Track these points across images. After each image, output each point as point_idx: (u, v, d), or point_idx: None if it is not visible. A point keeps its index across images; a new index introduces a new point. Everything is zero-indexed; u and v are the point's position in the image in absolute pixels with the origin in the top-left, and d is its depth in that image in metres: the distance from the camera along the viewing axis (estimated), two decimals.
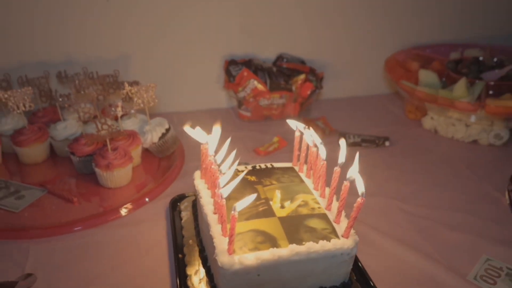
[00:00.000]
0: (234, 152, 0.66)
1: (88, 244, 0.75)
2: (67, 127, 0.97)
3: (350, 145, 1.04)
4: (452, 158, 1.03)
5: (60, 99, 0.96)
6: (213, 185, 0.67)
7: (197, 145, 1.00)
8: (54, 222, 0.79)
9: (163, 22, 1.14)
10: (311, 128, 0.73)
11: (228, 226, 0.59)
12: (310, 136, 0.70)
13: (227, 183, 0.59)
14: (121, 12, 1.10)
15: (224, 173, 0.63)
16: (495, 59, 1.17)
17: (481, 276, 0.68)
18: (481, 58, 1.18)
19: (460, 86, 1.04)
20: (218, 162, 0.66)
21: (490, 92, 1.05)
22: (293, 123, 0.76)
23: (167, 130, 0.97)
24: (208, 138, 0.70)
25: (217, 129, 0.71)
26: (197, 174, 0.76)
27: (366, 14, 1.26)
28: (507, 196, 0.87)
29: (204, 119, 1.14)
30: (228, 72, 1.15)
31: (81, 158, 0.91)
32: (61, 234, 0.77)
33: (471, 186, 0.93)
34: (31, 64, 1.08)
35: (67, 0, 1.06)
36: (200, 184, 0.73)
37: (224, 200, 0.58)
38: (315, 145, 0.70)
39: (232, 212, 0.55)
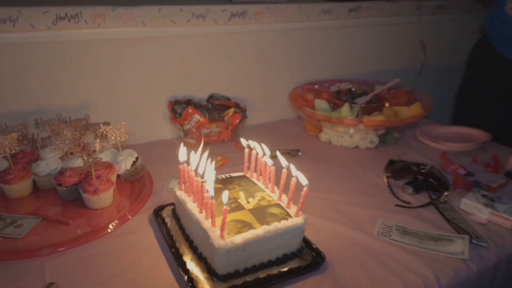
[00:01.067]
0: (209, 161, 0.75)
1: (91, 255, 0.76)
2: (49, 164, 0.97)
3: (274, 157, 1.17)
4: (344, 160, 1.18)
5: (41, 141, 0.97)
6: (196, 192, 0.75)
7: (158, 169, 1.07)
8: (58, 241, 0.79)
9: (117, 74, 1.18)
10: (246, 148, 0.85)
11: (217, 219, 0.69)
12: (261, 149, 0.83)
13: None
14: (82, 67, 1.13)
15: (205, 180, 0.72)
16: (362, 89, 1.38)
17: (381, 232, 0.83)
18: (353, 89, 1.37)
19: (345, 109, 1.21)
20: (200, 174, 0.75)
21: (364, 112, 1.26)
22: (244, 142, 0.87)
23: (137, 158, 1.02)
24: (184, 159, 0.79)
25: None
26: (177, 187, 0.83)
27: (271, 62, 1.41)
28: (385, 180, 1.03)
29: (159, 149, 1.22)
30: (173, 110, 1.23)
31: (68, 187, 0.92)
32: (67, 249, 0.77)
33: (360, 177, 1.07)
34: (7, 114, 1.06)
35: (36, 57, 1.06)
36: (181, 194, 0.80)
37: (214, 200, 0.67)
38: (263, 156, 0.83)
39: (224, 206, 0.65)
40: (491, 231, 0.84)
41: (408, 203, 0.94)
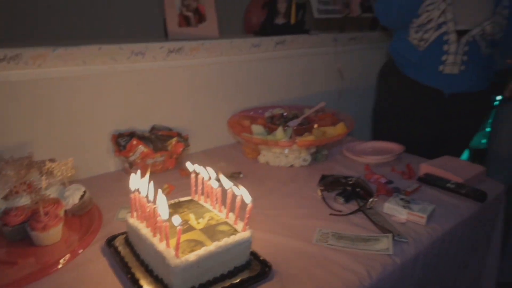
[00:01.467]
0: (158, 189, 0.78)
1: None
2: None
3: (218, 180, 1.22)
4: (282, 178, 1.24)
5: None
6: (149, 217, 0.78)
7: (105, 201, 1.07)
8: (7, 281, 0.76)
9: (59, 111, 1.17)
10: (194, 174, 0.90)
11: (171, 240, 0.72)
12: (207, 173, 0.88)
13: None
14: (23, 107, 1.11)
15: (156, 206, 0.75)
16: (292, 113, 1.48)
17: (319, 239, 0.90)
18: (285, 114, 1.46)
19: (279, 132, 1.29)
20: (151, 200, 0.78)
21: (296, 133, 1.36)
22: (191, 166, 0.91)
23: (84, 192, 1.02)
24: (136, 187, 0.82)
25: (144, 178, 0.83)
26: (128, 216, 0.85)
27: (209, 92, 1.47)
28: (319, 193, 1.10)
29: (105, 181, 1.21)
30: (117, 143, 1.24)
31: (14, 227, 0.89)
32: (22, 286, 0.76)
33: (297, 192, 1.14)
34: None
35: None
36: (134, 222, 0.82)
37: (167, 222, 0.71)
38: (209, 179, 0.88)
39: (178, 227, 0.69)
40: (409, 228, 0.95)
41: (340, 211, 1.03)
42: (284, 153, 1.33)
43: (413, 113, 1.49)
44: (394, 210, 1.01)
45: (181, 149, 1.29)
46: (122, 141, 1.23)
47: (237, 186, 0.81)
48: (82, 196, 1.00)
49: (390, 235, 0.91)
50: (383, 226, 0.95)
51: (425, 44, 1.37)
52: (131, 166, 1.24)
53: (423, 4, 1.31)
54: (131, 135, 1.26)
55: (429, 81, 1.42)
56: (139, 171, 0.84)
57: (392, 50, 1.53)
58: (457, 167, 1.24)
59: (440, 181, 1.17)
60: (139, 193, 0.79)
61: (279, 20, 1.63)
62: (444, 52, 1.36)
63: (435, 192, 1.14)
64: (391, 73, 1.54)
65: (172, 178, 1.24)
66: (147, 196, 0.78)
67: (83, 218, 1.01)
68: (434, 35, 1.34)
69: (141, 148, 1.20)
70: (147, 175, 0.81)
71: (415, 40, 1.39)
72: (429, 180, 1.19)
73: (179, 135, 1.33)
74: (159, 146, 1.26)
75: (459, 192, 1.12)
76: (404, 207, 1.00)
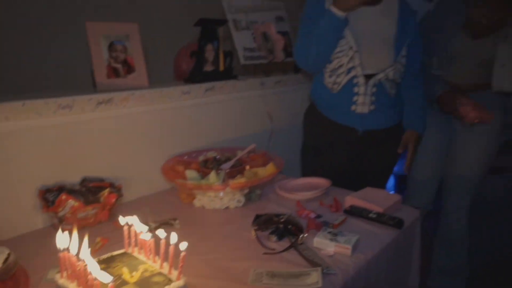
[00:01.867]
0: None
1: None
2: None
3: (154, 229, 1.22)
4: (218, 221, 1.27)
5: None
6: (80, 276, 0.77)
7: (33, 262, 1.03)
8: None
9: None
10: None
11: None
12: (139, 226, 0.89)
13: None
14: None
15: (87, 264, 0.75)
16: (225, 156, 1.53)
17: (254, 280, 0.92)
18: (218, 157, 1.50)
19: (212, 176, 1.33)
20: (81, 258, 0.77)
21: (229, 176, 1.41)
22: (123, 220, 0.92)
23: (9, 254, 0.97)
24: (65, 246, 0.81)
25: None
26: (58, 276, 0.83)
27: (142, 140, 1.49)
28: (253, 233, 1.14)
29: (32, 240, 1.16)
30: (45, 199, 1.19)
31: None
32: None
33: (233, 234, 1.16)
34: None
35: None
36: (64, 282, 0.81)
37: (99, 280, 0.71)
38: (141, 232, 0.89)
39: (110, 283, 0.69)
40: (337, 260, 1.02)
41: (274, 249, 1.07)
42: (218, 196, 1.36)
43: (334, 150, 1.63)
44: (323, 244, 1.08)
45: (114, 200, 1.27)
46: (50, 196, 1.20)
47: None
48: (6, 259, 0.95)
49: (319, 268, 0.97)
50: (313, 260, 1.01)
51: (338, 87, 1.53)
52: (61, 222, 1.20)
53: (334, 52, 1.47)
54: (60, 189, 1.23)
55: (344, 120, 1.58)
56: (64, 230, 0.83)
57: (312, 93, 1.68)
58: (377, 198, 1.35)
59: (363, 212, 1.27)
60: (68, 251, 0.78)
61: (208, 68, 1.71)
62: (355, 93, 1.52)
63: (359, 223, 1.24)
64: (313, 114, 1.69)
65: (106, 230, 1.22)
66: (77, 254, 0.77)
67: (7, 283, 0.95)
68: (345, 79, 1.50)
69: (71, 202, 1.18)
70: (75, 233, 0.81)
71: (329, 83, 1.55)
72: (354, 211, 1.29)
73: (111, 185, 1.32)
74: (91, 199, 1.24)
75: (379, 221, 1.23)
76: (332, 240, 1.08)
